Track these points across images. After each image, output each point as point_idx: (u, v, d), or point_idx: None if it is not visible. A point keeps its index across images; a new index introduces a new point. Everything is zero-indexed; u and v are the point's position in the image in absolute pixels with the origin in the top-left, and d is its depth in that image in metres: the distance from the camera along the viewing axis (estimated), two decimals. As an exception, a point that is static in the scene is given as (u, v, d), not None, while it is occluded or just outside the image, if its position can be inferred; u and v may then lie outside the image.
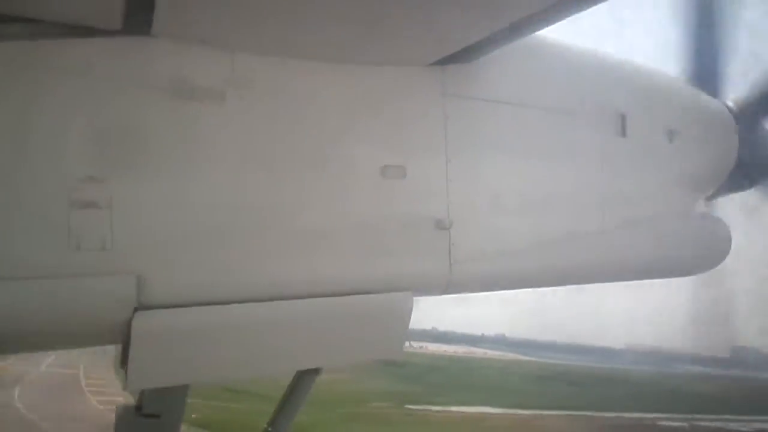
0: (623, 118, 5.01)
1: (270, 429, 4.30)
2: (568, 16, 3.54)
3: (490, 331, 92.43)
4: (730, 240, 6.03)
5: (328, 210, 3.68)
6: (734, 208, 6.60)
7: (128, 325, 3.01)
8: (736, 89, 6.39)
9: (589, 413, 38.45)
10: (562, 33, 4.49)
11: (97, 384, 32.64)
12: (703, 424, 37.24)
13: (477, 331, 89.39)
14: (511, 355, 71.85)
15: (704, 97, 6.17)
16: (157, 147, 3.16)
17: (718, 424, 37.60)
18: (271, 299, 3.49)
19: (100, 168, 2.96)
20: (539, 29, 3.77)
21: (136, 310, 3.02)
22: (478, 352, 74.93)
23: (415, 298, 3.97)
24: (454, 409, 38.44)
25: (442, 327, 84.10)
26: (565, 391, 45.80)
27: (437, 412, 38.24)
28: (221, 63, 3.31)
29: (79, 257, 2.89)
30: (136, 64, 3.11)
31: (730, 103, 6.28)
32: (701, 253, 6.00)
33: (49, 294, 2.87)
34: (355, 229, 3.76)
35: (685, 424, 37.62)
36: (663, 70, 6.18)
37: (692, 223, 5.92)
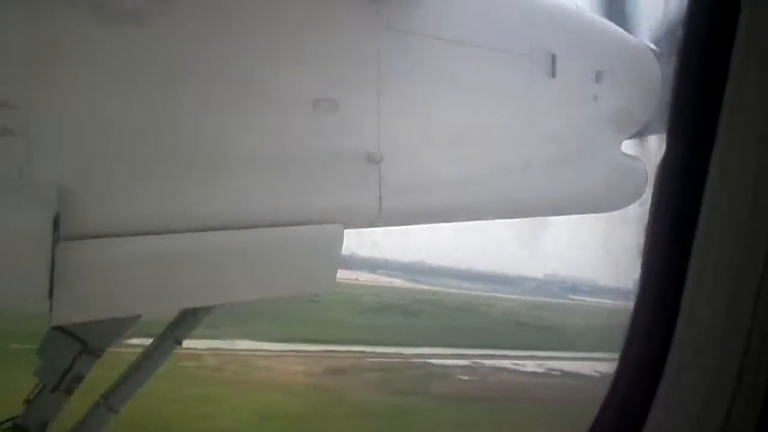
0: (554, 58, 5.07)
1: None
2: None
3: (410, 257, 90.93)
4: (647, 178, 6.17)
5: (258, 139, 3.64)
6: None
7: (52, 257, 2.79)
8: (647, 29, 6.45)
9: (367, 349, 33.63)
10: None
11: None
12: (488, 362, 34.22)
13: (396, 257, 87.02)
14: (386, 281, 67.96)
15: (630, 38, 6.31)
16: (75, 70, 3.00)
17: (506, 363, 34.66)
18: (198, 230, 3.37)
19: (13, 92, 2.81)
20: None
21: (56, 241, 2.84)
22: (361, 277, 70.20)
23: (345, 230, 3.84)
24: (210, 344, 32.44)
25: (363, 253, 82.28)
26: (385, 323, 41.25)
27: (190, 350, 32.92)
28: None
29: None
30: None
31: (649, 42, 6.35)
32: (620, 190, 6.16)
33: None
34: (285, 160, 3.76)
35: (467, 362, 34.24)
36: (589, 10, 6.02)
37: (614, 162, 6.09)
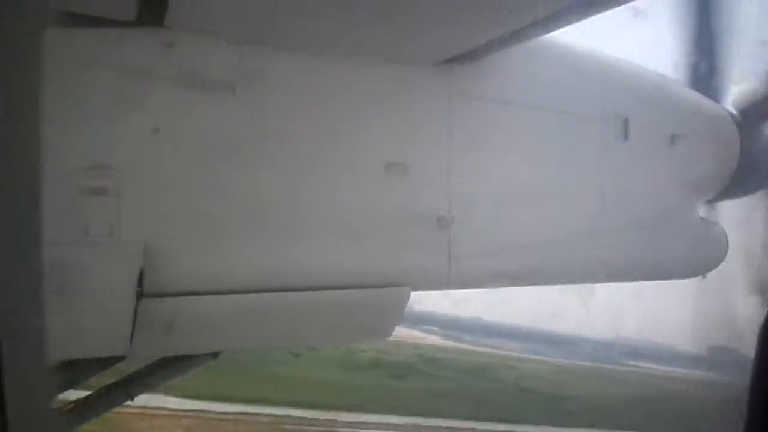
0: (626, 121, 5.06)
1: None
2: (573, 23, 3.67)
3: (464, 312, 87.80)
4: (727, 244, 6.19)
5: (332, 204, 3.83)
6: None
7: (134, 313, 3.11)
8: (735, 93, 6.37)
9: (301, 414, 30.61)
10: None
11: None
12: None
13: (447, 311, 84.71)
14: (417, 336, 65.63)
15: (706, 102, 6.27)
16: (167, 138, 3.28)
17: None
18: (273, 290, 3.65)
19: (110, 156, 3.07)
20: (545, 34, 3.89)
21: (140, 297, 3.17)
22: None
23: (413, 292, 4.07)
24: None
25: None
26: (364, 384, 38.54)
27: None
28: (231, 56, 3.43)
29: (88, 243, 2.98)
30: (148, 55, 3.23)
31: (731, 108, 6.36)
32: (698, 256, 6.18)
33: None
34: (357, 224, 3.94)
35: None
36: (666, 73, 6.15)
37: (691, 227, 6.07)
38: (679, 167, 5.64)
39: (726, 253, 6.14)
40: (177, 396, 27.02)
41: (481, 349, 66.70)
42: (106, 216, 2.97)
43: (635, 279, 5.90)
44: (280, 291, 3.61)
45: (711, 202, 6.46)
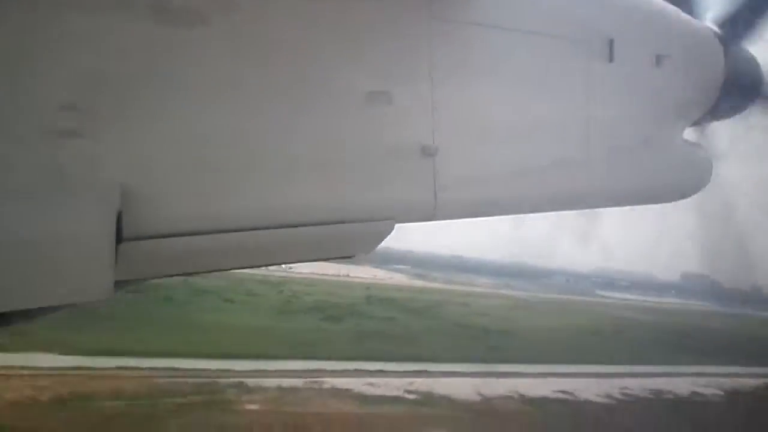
0: (611, 43, 4.89)
1: None
2: None
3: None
4: (711, 166, 5.98)
5: (313, 136, 3.60)
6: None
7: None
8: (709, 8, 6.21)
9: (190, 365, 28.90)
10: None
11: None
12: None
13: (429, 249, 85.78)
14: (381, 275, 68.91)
15: (690, 20, 5.97)
16: (140, 74, 3.10)
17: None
18: (254, 228, 3.48)
19: (82, 96, 2.93)
20: None
21: (119, 241, 2.99)
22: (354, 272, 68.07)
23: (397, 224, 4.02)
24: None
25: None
26: (288, 329, 36.98)
27: None
28: None
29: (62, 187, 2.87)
30: None
31: (712, 25, 6.07)
32: (684, 180, 5.95)
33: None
34: (339, 156, 3.70)
35: (303, 381, 29.02)
36: None
37: (676, 150, 5.80)
38: (665, 89, 5.43)
39: (710, 175, 6.02)
40: (58, 353, 26.07)
41: (444, 286, 66.84)
42: (80, 158, 2.88)
43: (621, 204, 5.78)
44: (262, 229, 3.52)
45: (697, 123, 6.24)
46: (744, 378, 37.38)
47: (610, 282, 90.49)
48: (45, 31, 2.86)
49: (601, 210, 5.93)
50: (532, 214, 5.11)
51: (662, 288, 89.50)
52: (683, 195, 6.07)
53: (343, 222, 3.73)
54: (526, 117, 4.54)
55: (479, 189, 4.29)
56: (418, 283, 69.89)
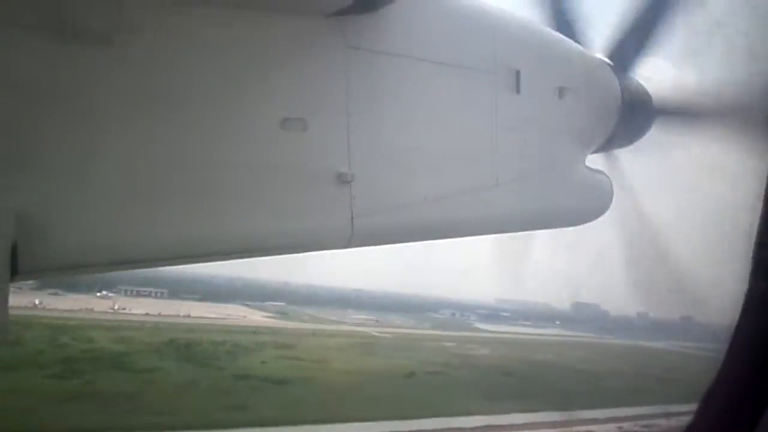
0: (518, 74, 5.00)
1: None
2: None
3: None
4: (612, 193, 6.18)
5: (225, 163, 3.50)
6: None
7: None
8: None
9: None
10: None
11: None
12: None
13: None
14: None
15: (588, 54, 6.24)
16: (36, 93, 2.94)
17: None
18: (157, 261, 3.41)
19: None
20: None
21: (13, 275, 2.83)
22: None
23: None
24: None
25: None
26: None
27: None
28: (107, 6, 3.11)
29: None
30: (16, 5, 2.92)
31: (603, 57, 6.37)
32: (586, 205, 6.14)
33: None
34: (253, 183, 3.60)
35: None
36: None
37: (578, 177, 6.00)
38: (567, 119, 5.54)
39: (611, 201, 6.11)
40: None
41: (291, 325, 61.37)
42: None
43: (528, 228, 6.00)
44: (166, 261, 3.38)
45: (600, 150, 6.39)
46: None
47: (494, 314, 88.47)
48: None
49: (504, 238, 6.02)
50: (442, 242, 5.22)
51: (549, 318, 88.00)
52: (586, 219, 6.19)
53: (258, 251, 3.69)
54: (438, 144, 4.56)
55: (394, 215, 4.24)
56: (268, 321, 64.28)
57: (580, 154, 6.00)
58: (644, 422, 34.79)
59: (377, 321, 73.10)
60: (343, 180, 3.84)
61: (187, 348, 41.73)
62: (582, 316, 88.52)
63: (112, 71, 3.07)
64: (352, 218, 3.91)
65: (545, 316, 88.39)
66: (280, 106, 3.63)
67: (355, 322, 70.43)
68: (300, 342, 49.53)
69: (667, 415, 36.36)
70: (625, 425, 33.94)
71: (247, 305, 73.97)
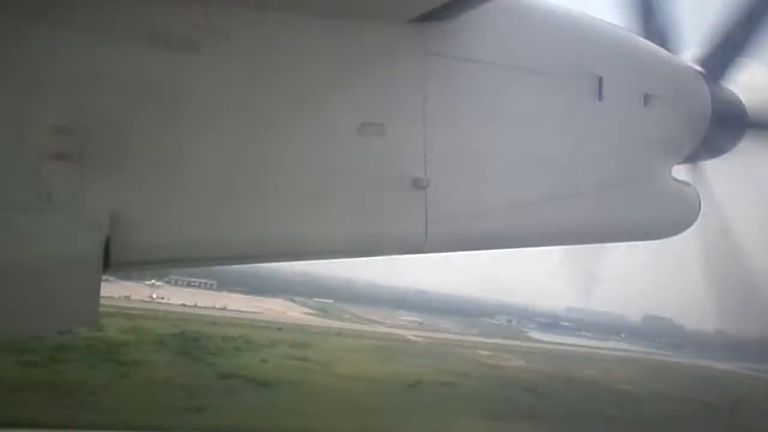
0: (600, 81, 4.87)
1: None
2: None
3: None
4: (699, 205, 6.00)
5: (304, 167, 3.57)
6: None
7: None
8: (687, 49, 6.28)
9: None
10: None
11: None
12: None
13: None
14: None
15: (676, 59, 6.08)
16: (131, 99, 3.06)
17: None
18: (241, 259, 3.74)
19: (72, 119, 2.88)
20: None
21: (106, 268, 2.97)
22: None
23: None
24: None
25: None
26: None
27: None
28: (195, 13, 3.21)
29: (51, 208, 2.81)
30: (110, 14, 3.02)
31: (694, 65, 6.13)
32: (671, 217, 6.01)
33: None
34: (330, 188, 3.66)
35: None
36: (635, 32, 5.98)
37: (664, 188, 5.82)
38: (652, 127, 5.35)
39: (698, 213, 5.91)
40: None
41: (326, 323, 59.52)
42: (70, 182, 2.78)
43: (608, 240, 5.74)
44: (246, 259, 3.66)
45: (687, 161, 6.13)
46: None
47: (555, 323, 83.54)
48: (38, 51, 2.74)
49: (577, 248, 5.71)
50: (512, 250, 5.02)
51: (615, 331, 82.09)
52: (671, 232, 6.02)
53: (336, 251, 3.84)
54: (516, 152, 4.45)
55: (469, 222, 4.17)
56: (305, 318, 63.00)
57: (665, 164, 5.71)
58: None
59: (421, 324, 70.25)
60: (418, 185, 3.81)
61: (195, 342, 40.80)
62: (652, 330, 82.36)
63: (199, 77, 3.17)
64: (426, 224, 3.85)
65: (611, 329, 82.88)
66: (358, 111, 3.63)
67: (397, 323, 67.97)
68: (320, 342, 47.63)
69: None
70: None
71: (293, 300, 73.39)
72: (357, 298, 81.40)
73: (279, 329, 51.93)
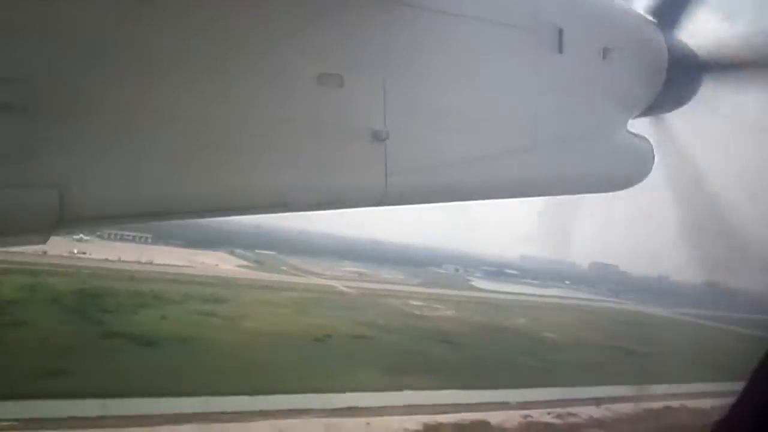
0: (561, 33, 4.86)
1: None
2: None
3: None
4: (653, 158, 6.06)
5: (261, 119, 3.55)
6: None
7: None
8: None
9: None
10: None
11: None
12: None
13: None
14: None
15: (634, 12, 6.05)
16: (80, 48, 2.96)
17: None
18: (196, 211, 3.50)
19: (16, 68, 2.80)
20: None
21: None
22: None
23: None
24: None
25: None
26: None
27: None
28: None
29: None
30: None
31: (647, 15, 6.14)
32: (627, 170, 6.05)
33: None
34: (288, 139, 3.64)
35: None
36: None
37: (620, 141, 5.89)
38: (610, 80, 5.32)
39: (652, 166, 5.95)
40: None
41: (260, 276, 57.49)
42: (16, 135, 2.68)
43: (566, 192, 5.70)
44: (200, 213, 3.51)
45: (648, 114, 6.10)
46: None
47: (500, 271, 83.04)
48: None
49: (539, 199, 5.79)
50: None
51: (561, 278, 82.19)
52: (627, 184, 6.05)
53: (288, 206, 3.68)
54: (476, 104, 4.46)
55: (428, 175, 4.19)
56: (237, 271, 60.66)
57: (622, 117, 5.75)
58: (559, 410, 28.92)
59: (360, 274, 68.75)
60: (377, 137, 3.78)
61: (94, 299, 38.59)
62: (598, 277, 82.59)
63: (152, 27, 3.06)
64: (386, 176, 3.83)
65: (558, 276, 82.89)
66: (316, 61, 3.56)
67: (336, 275, 66.25)
68: (241, 296, 45.65)
69: (597, 401, 30.54)
70: (535, 413, 28.16)
71: (233, 253, 70.91)
72: (306, 249, 79.44)
73: (199, 283, 49.66)
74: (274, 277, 59.42)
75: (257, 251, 75.18)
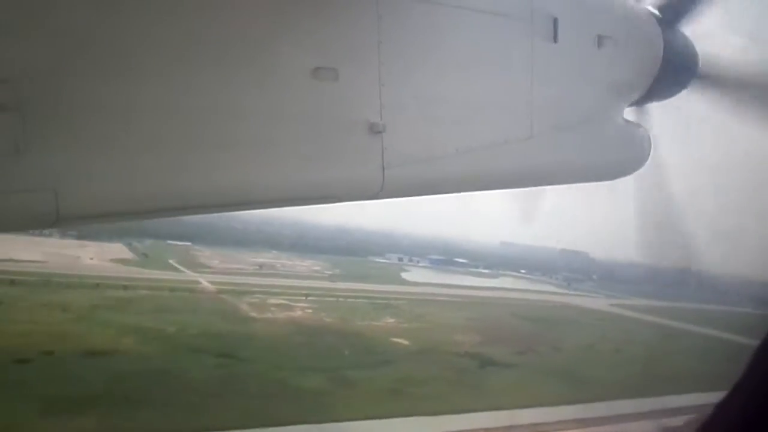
0: (555, 22, 4.87)
1: None
2: None
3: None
4: (650, 146, 6.13)
5: (257, 112, 3.49)
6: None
7: None
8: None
9: None
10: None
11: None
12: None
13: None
14: None
15: (631, 3, 6.17)
16: (71, 47, 2.90)
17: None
18: (190, 207, 3.40)
19: (9, 69, 2.75)
20: None
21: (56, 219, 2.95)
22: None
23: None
24: None
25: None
26: None
27: None
28: None
29: None
30: None
31: (651, 8, 6.21)
32: (624, 158, 6.08)
33: None
34: (284, 133, 3.58)
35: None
36: None
37: (616, 130, 5.90)
38: (605, 69, 5.43)
39: (649, 154, 6.08)
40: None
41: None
42: (10, 134, 2.67)
43: (563, 182, 5.72)
44: (195, 209, 3.47)
45: (636, 104, 6.28)
46: None
47: (449, 260, 73.73)
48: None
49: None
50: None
51: (514, 267, 73.05)
52: (624, 172, 6.05)
53: (289, 201, 3.64)
54: (472, 95, 4.47)
55: (426, 167, 4.16)
56: (109, 267, 51.56)
57: (618, 105, 5.74)
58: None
59: (261, 266, 58.90)
60: (374, 130, 3.76)
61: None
62: (566, 264, 73.89)
63: (143, 19, 2.98)
64: (383, 169, 3.84)
65: (517, 265, 74.26)
66: (311, 55, 3.52)
67: (230, 269, 56.57)
68: (33, 296, 36.62)
69: None
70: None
71: (130, 245, 62.10)
72: (242, 239, 70.83)
73: (11, 282, 40.91)
74: (139, 273, 50.34)
75: (149, 242, 65.32)
